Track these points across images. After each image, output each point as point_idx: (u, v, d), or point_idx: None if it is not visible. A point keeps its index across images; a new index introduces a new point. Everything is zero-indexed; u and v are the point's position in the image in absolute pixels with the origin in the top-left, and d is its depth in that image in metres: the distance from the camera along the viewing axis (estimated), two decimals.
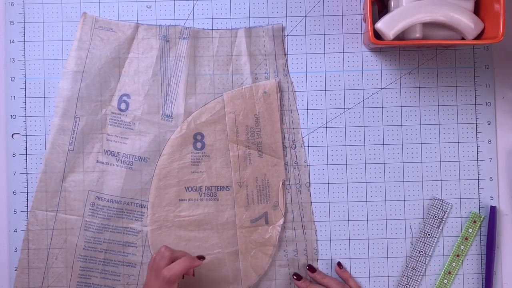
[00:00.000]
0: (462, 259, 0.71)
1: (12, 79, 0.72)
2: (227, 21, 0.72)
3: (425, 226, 0.71)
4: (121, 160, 0.71)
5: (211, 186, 0.71)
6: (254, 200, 0.71)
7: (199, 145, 0.71)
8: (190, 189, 0.71)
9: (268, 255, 0.71)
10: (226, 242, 0.71)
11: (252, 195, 0.71)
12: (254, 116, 0.71)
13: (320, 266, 0.72)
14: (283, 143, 0.71)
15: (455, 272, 0.71)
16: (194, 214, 0.71)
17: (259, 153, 0.71)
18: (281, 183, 0.71)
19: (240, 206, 0.71)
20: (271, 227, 0.71)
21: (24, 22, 0.72)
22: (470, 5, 0.65)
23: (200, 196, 0.71)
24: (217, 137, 0.71)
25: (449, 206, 0.72)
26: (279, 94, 0.71)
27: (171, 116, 0.71)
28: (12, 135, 0.72)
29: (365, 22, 0.70)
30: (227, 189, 0.71)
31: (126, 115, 0.71)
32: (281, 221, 0.71)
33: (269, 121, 0.71)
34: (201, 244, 0.71)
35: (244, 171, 0.71)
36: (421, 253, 0.71)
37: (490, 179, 0.72)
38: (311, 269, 0.70)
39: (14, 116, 0.72)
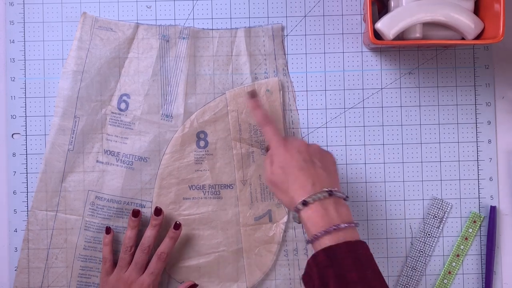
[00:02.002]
0: (462, 259, 0.71)
1: (12, 79, 0.72)
2: (227, 21, 0.72)
3: (425, 226, 0.72)
4: (121, 160, 0.71)
5: (215, 185, 0.71)
6: (258, 198, 0.71)
7: (202, 143, 0.71)
8: (193, 187, 0.71)
9: (272, 253, 0.71)
10: (230, 240, 0.71)
11: (255, 193, 0.71)
12: None
13: None
14: None
15: (455, 272, 0.71)
16: (198, 213, 0.71)
17: (262, 151, 0.71)
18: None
19: (244, 204, 0.71)
20: (274, 224, 0.71)
21: (24, 22, 0.72)
22: (470, 5, 0.65)
23: (204, 194, 0.71)
24: (220, 136, 0.71)
25: (449, 206, 0.72)
26: (281, 92, 0.71)
27: (171, 116, 0.71)
28: (12, 135, 0.72)
29: (365, 22, 0.70)
30: (231, 187, 0.71)
31: (126, 115, 0.71)
32: (284, 219, 0.71)
33: None
34: (205, 242, 0.71)
35: (248, 169, 0.71)
36: (421, 253, 0.71)
37: (490, 179, 0.72)
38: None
39: (14, 116, 0.72)
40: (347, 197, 0.57)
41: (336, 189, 0.55)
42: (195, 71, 0.72)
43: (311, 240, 0.54)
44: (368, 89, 0.72)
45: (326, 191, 0.54)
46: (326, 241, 0.52)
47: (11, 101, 0.72)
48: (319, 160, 0.58)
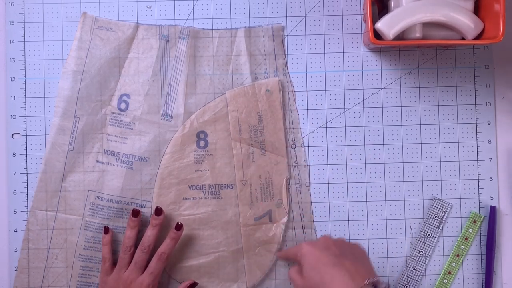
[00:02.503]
0: (462, 259, 0.71)
1: (12, 79, 0.72)
2: (227, 21, 0.72)
3: (425, 226, 0.72)
4: (121, 160, 0.71)
5: (215, 185, 0.71)
6: (258, 198, 0.71)
7: (202, 143, 0.71)
8: (193, 187, 0.71)
9: (272, 253, 0.70)
10: (230, 240, 0.71)
11: (255, 193, 0.71)
12: (257, 114, 0.71)
13: None
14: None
15: (455, 272, 0.71)
16: (198, 213, 0.71)
17: (262, 151, 0.71)
18: (284, 180, 0.71)
19: (244, 204, 0.71)
20: (275, 225, 0.71)
21: (24, 22, 0.72)
22: (470, 5, 0.65)
23: (204, 194, 0.71)
24: (220, 136, 0.71)
25: (449, 206, 0.72)
26: (281, 92, 0.71)
27: (171, 116, 0.71)
28: (12, 135, 0.72)
29: (365, 22, 0.70)
30: (231, 187, 0.71)
31: (126, 115, 0.71)
32: (285, 219, 0.71)
33: (271, 119, 0.71)
34: (205, 242, 0.71)
35: (248, 169, 0.71)
36: (421, 253, 0.71)
37: (490, 179, 0.72)
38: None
39: (14, 116, 0.72)
40: (389, 286, 0.53)
41: (377, 280, 0.52)
42: (195, 71, 0.72)
43: None
44: (368, 89, 0.72)
45: (370, 283, 0.51)
46: None
47: (11, 101, 0.72)
48: (350, 252, 0.56)
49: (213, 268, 0.71)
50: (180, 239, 0.69)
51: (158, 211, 0.68)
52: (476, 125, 0.72)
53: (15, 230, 0.71)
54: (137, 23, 0.72)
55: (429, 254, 0.71)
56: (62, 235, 0.71)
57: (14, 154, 0.71)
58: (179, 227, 0.68)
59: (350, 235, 0.72)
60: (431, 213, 0.72)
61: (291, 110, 0.72)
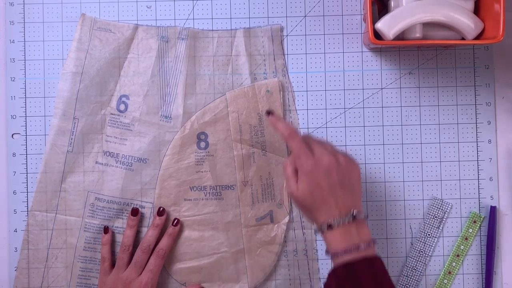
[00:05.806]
0: (462, 259, 0.71)
1: (12, 79, 0.72)
2: (227, 21, 0.72)
3: (425, 226, 0.72)
4: (120, 161, 0.71)
5: (216, 186, 0.71)
6: (259, 199, 0.71)
7: (203, 144, 0.71)
8: (194, 188, 0.71)
9: (274, 253, 0.70)
10: (231, 241, 0.71)
11: (257, 194, 0.71)
12: (257, 115, 0.71)
13: (320, 266, 0.72)
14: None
15: (455, 272, 0.71)
16: (199, 214, 0.71)
17: (263, 151, 0.71)
18: (285, 181, 0.71)
19: (245, 205, 0.71)
20: (276, 225, 0.71)
21: (24, 22, 0.72)
22: (470, 5, 0.65)
23: (205, 195, 0.71)
24: (221, 137, 0.71)
25: (449, 206, 0.72)
26: (281, 93, 0.71)
27: (170, 117, 0.71)
28: (12, 135, 0.72)
29: (365, 22, 0.70)
30: (232, 188, 0.71)
31: (125, 116, 0.71)
32: (286, 219, 0.71)
33: None
34: (207, 243, 0.71)
35: (249, 170, 0.71)
36: (421, 253, 0.71)
37: (490, 179, 0.72)
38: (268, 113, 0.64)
39: (14, 116, 0.72)
40: (367, 216, 0.58)
41: (359, 210, 0.56)
42: (194, 71, 0.72)
43: (332, 256, 0.56)
44: (368, 89, 0.72)
45: (351, 215, 0.56)
46: (345, 258, 0.55)
47: (11, 101, 0.72)
48: (347, 178, 0.58)
49: (215, 269, 0.71)
50: (181, 240, 0.69)
51: (161, 212, 0.68)
52: (476, 125, 0.72)
53: (15, 230, 0.71)
54: (137, 23, 0.72)
55: (429, 254, 0.71)
56: (61, 236, 0.71)
57: (14, 154, 0.71)
58: (176, 222, 0.68)
59: None
60: (431, 213, 0.72)
61: (290, 110, 0.72)
